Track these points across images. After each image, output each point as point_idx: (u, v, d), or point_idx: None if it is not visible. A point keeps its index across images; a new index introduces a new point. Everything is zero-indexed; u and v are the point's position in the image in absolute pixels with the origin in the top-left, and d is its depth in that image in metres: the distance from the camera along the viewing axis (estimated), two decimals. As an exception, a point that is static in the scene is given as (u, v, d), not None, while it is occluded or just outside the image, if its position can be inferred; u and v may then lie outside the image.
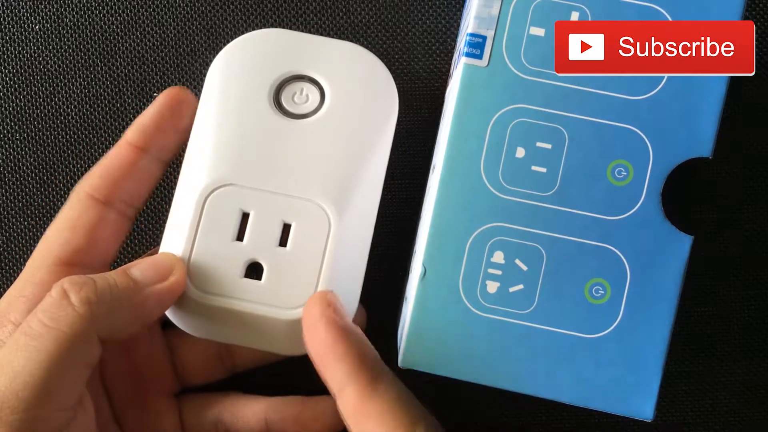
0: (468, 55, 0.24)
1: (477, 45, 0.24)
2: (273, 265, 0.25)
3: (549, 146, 0.23)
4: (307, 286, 0.25)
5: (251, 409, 0.27)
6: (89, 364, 0.22)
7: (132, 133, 0.26)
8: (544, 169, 0.23)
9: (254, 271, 0.25)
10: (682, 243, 0.23)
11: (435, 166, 0.25)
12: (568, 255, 0.23)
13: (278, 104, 0.26)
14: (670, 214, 0.23)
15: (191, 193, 0.25)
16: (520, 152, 0.24)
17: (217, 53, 0.29)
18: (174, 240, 0.25)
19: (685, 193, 0.30)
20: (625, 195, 0.23)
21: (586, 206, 0.23)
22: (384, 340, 0.30)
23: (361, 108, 0.26)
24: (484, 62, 0.24)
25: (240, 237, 0.25)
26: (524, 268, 0.23)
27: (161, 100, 0.26)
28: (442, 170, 0.24)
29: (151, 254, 0.28)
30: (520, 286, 0.23)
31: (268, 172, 0.25)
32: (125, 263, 0.30)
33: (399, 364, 0.24)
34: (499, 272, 0.23)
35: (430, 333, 0.23)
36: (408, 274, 0.27)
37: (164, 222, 0.26)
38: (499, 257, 0.23)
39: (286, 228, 0.25)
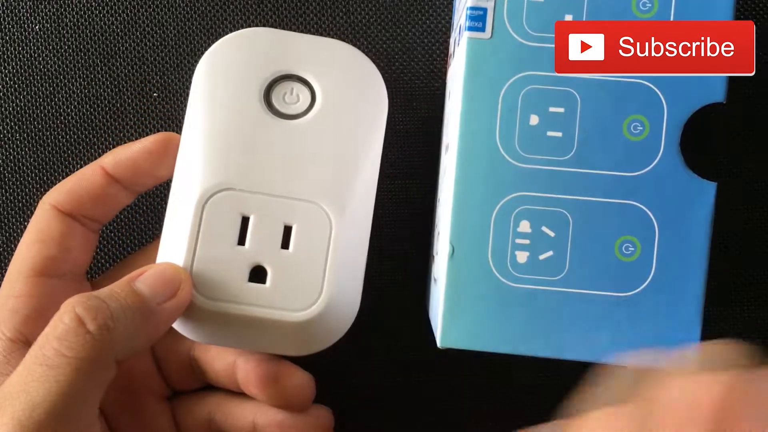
0: (470, 29, 0.24)
1: (478, 18, 0.24)
2: (277, 268, 0.25)
3: (562, 110, 0.23)
4: (312, 287, 0.25)
5: (241, 410, 0.27)
6: (105, 385, 0.22)
7: (109, 160, 0.26)
8: (559, 134, 0.23)
9: (258, 274, 0.25)
10: (706, 191, 0.23)
11: (448, 145, 0.25)
12: (593, 216, 0.23)
13: (269, 104, 0.26)
14: (691, 163, 0.23)
15: (188, 199, 0.25)
16: (534, 119, 0.23)
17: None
18: (174, 248, 0.25)
19: (702, 141, 0.30)
20: (643, 149, 0.23)
21: (606, 165, 0.23)
22: (389, 334, 0.30)
23: (353, 106, 0.26)
24: (487, 34, 0.24)
25: (242, 241, 0.25)
26: (552, 234, 0.23)
27: (149, 142, 0.26)
28: (458, 147, 0.23)
29: (142, 254, 0.28)
30: (550, 253, 0.23)
31: (265, 175, 0.25)
32: (102, 267, 0.30)
33: (438, 345, 0.23)
34: (526, 241, 0.23)
35: (466, 310, 0.23)
36: (432, 257, 0.27)
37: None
38: (525, 226, 0.23)
39: (288, 230, 0.25)
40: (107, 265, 0.31)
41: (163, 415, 0.27)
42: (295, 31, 0.27)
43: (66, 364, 0.21)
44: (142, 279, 0.24)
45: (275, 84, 0.26)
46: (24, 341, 0.24)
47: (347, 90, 0.26)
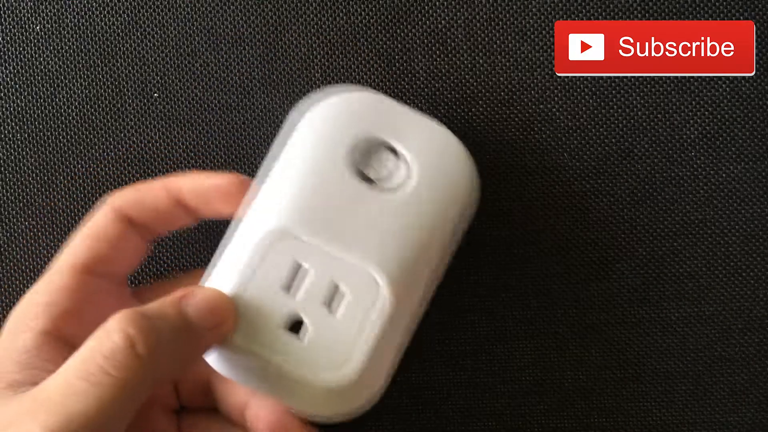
0: None
1: None
2: (316, 326, 0.24)
3: None
4: (345, 354, 0.24)
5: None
6: (140, 405, 0.22)
7: (181, 183, 0.26)
8: None
9: (297, 327, 0.25)
10: None
11: None
12: None
13: (357, 166, 0.26)
14: None
15: (254, 233, 0.25)
16: None
17: (217, 53, 0.29)
18: (225, 277, 0.25)
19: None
20: None
21: None
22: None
23: (442, 193, 0.26)
24: None
25: (290, 289, 0.25)
26: None
27: (223, 180, 0.26)
28: None
29: (189, 277, 0.28)
30: None
31: (332, 232, 0.25)
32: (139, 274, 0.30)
33: None
34: None
35: None
36: None
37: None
38: None
39: (337, 291, 0.25)
40: (144, 272, 0.31)
41: (169, 428, 0.27)
42: (295, 32, 0.27)
43: (109, 384, 0.21)
44: (192, 303, 0.23)
45: (371, 149, 0.26)
46: (58, 335, 0.24)
47: (440, 176, 0.26)
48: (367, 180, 0.26)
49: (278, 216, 0.25)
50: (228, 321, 0.24)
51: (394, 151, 0.26)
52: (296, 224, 0.25)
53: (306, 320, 0.24)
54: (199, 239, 0.31)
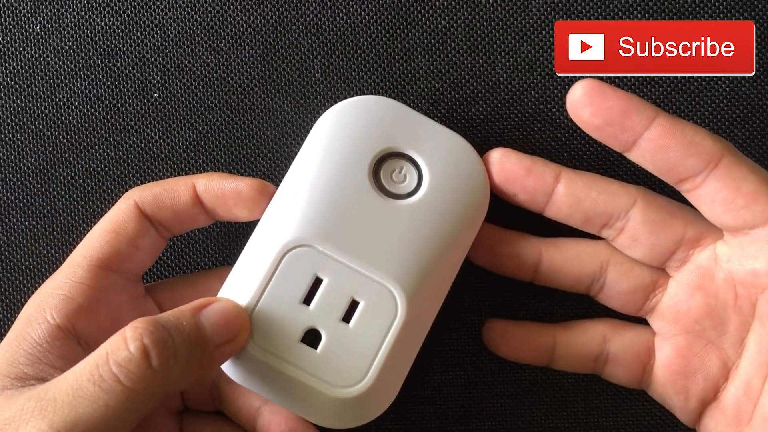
0: None
1: None
2: (332, 338, 0.25)
3: None
4: (359, 367, 0.25)
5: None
6: (148, 412, 0.22)
7: (202, 183, 0.26)
8: None
9: (312, 338, 0.25)
10: None
11: None
12: None
13: (376, 178, 0.26)
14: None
15: (272, 244, 0.25)
16: None
17: (217, 53, 0.29)
18: (242, 286, 0.25)
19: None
20: None
21: None
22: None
23: (455, 204, 0.26)
24: None
25: (307, 301, 0.25)
26: None
27: (244, 185, 0.26)
28: None
29: (206, 276, 0.28)
30: None
31: (351, 245, 0.25)
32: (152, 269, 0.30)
33: None
34: None
35: None
36: None
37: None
38: None
39: (354, 304, 0.25)
40: (156, 267, 0.31)
41: (172, 430, 0.27)
42: (295, 32, 0.27)
43: (120, 392, 0.21)
44: (207, 315, 0.24)
45: (387, 159, 0.26)
46: (71, 331, 0.24)
47: (455, 186, 0.26)
48: (384, 190, 0.26)
49: (298, 227, 0.25)
50: (242, 335, 0.24)
51: (409, 159, 0.26)
52: (316, 236, 0.25)
53: (322, 332, 0.25)
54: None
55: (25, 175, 0.31)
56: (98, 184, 0.31)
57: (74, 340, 0.24)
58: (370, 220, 0.25)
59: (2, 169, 0.31)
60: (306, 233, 0.25)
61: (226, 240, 0.31)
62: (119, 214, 0.26)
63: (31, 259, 0.31)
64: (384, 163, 0.26)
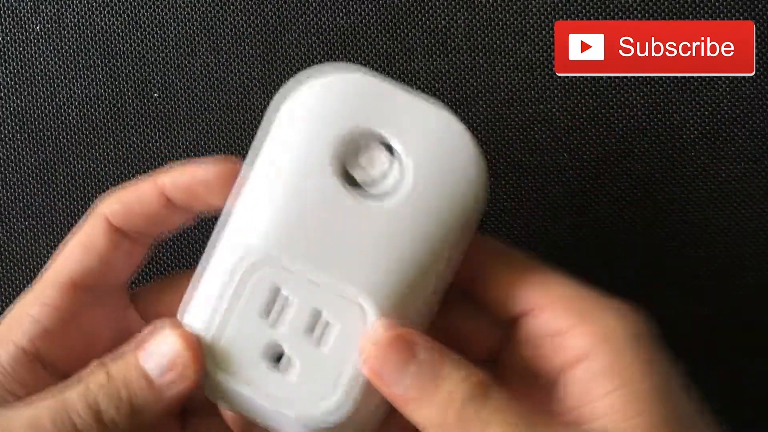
0: None
1: None
2: (299, 360, 0.22)
3: None
4: (327, 390, 0.22)
5: None
6: None
7: (168, 182, 0.24)
8: None
9: (279, 359, 0.22)
10: None
11: None
12: None
13: (346, 173, 0.22)
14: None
15: (229, 258, 0.22)
16: None
17: (217, 53, 0.29)
18: (200, 306, 0.23)
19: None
20: None
21: None
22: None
23: (444, 204, 0.22)
24: None
25: (271, 319, 0.22)
26: None
27: (208, 173, 0.24)
28: None
29: (187, 277, 0.27)
30: None
31: (315, 255, 0.22)
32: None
33: None
34: None
35: None
36: None
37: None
38: None
39: (321, 319, 0.22)
40: (145, 271, 0.31)
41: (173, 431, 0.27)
42: (295, 32, 0.27)
43: None
44: (151, 360, 0.23)
45: (358, 149, 0.22)
46: (35, 355, 0.23)
47: (443, 178, 0.22)
48: (352, 181, 0.22)
49: (254, 238, 0.22)
50: (189, 372, 0.23)
51: (387, 145, 0.22)
52: (273, 248, 0.22)
53: (289, 353, 0.22)
54: (199, 238, 0.31)
55: (25, 175, 0.31)
56: (98, 184, 0.31)
57: (39, 364, 0.23)
58: (335, 222, 0.22)
59: (2, 169, 0.31)
60: (263, 245, 0.22)
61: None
62: (88, 229, 0.24)
63: (31, 259, 0.31)
64: (353, 148, 0.22)
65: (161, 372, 0.23)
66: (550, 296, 0.23)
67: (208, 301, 0.22)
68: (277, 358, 0.22)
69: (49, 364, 0.24)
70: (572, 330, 0.22)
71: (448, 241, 0.22)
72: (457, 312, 0.26)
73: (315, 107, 0.22)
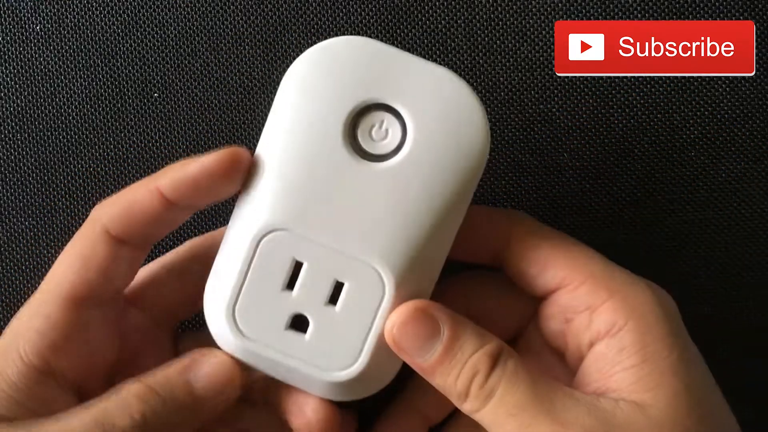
0: None
1: None
2: (319, 323, 0.24)
3: None
4: (350, 351, 0.24)
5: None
6: None
7: (167, 183, 0.24)
8: None
9: (300, 324, 0.24)
10: None
11: None
12: None
13: (353, 139, 0.23)
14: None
15: (245, 232, 0.24)
16: None
17: (217, 53, 0.29)
18: (222, 282, 0.24)
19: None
20: None
21: None
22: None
23: (447, 160, 0.23)
24: None
25: (290, 286, 0.24)
26: None
27: (212, 162, 0.23)
28: None
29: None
30: None
31: (329, 222, 0.23)
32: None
33: None
34: None
35: None
36: None
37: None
38: None
39: (339, 285, 0.24)
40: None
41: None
42: (295, 32, 0.27)
43: None
44: (199, 377, 0.24)
45: (364, 114, 0.24)
46: (47, 371, 0.23)
47: (445, 138, 0.23)
48: (363, 152, 0.23)
49: (269, 210, 0.23)
50: (234, 388, 0.24)
51: (390, 109, 0.24)
52: (289, 217, 0.23)
53: (309, 318, 0.24)
54: (199, 231, 0.31)
55: (25, 175, 0.31)
56: (98, 184, 0.31)
57: (51, 378, 0.23)
58: (349, 191, 0.23)
59: (2, 169, 0.31)
60: (278, 216, 0.23)
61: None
62: (87, 240, 0.24)
63: (31, 259, 0.31)
64: (361, 120, 0.24)
65: (208, 388, 0.24)
66: (582, 272, 0.24)
67: (228, 275, 0.24)
68: (298, 322, 0.24)
69: (58, 375, 0.24)
70: (603, 305, 0.23)
71: (452, 196, 0.23)
72: (480, 293, 0.26)
73: (322, 84, 0.23)
